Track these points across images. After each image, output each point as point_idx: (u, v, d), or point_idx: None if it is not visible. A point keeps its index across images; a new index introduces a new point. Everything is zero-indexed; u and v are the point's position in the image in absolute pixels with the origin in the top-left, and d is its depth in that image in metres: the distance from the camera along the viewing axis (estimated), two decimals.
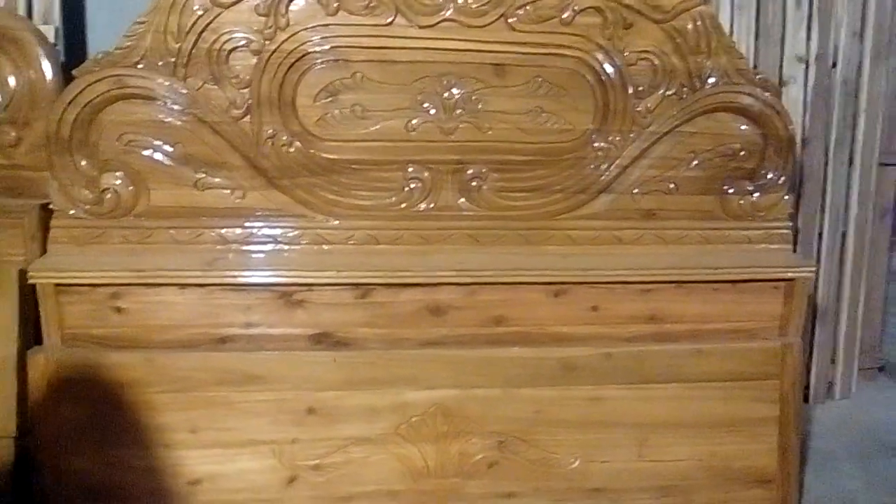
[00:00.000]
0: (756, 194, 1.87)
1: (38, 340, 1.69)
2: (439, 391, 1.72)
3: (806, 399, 2.46)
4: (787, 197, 1.89)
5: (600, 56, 1.74)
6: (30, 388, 1.65)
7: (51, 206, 1.71)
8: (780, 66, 2.25)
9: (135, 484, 1.67)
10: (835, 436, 2.30)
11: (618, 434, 1.78)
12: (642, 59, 1.76)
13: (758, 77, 1.83)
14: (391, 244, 1.77)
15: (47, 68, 1.82)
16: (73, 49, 2.09)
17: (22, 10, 1.97)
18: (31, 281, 1.65)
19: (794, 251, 2.23)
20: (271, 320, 1.71)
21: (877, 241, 2.47)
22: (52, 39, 1.92)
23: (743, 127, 1.84)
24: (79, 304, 1.67)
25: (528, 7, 1.70)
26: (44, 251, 1.72)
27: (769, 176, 1.87)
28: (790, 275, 1.83)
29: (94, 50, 2.03)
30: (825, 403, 2.48)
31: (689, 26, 1.75)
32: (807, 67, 2.27)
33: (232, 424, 1.68)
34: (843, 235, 2.41)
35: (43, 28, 1.91)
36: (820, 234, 2.38)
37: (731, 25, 2.18)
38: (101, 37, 2.12)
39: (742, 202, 1.87)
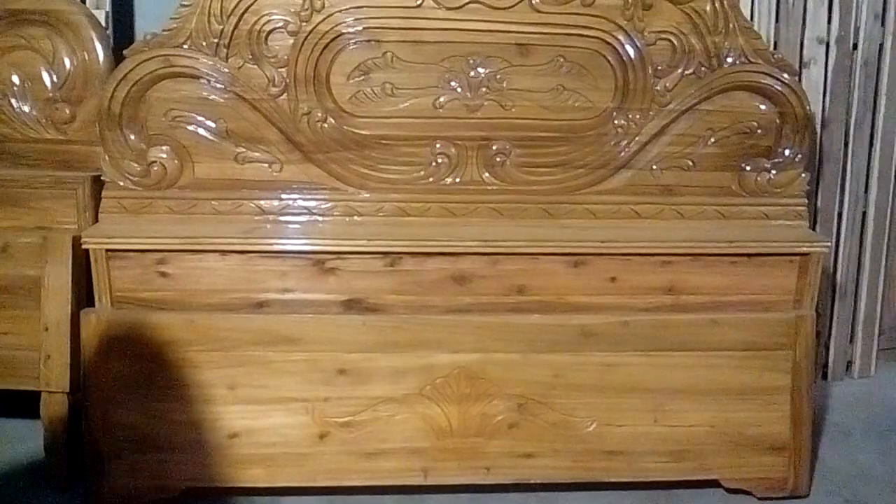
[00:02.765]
0: (773, 171, 1.92)
1: (90, 302, 1.81)
2: (463, 355, 1.81)
3: (825, 376, 2.50)
4: (803, 174, 1.94)
5: (621, 36, 1.81)
6: (82, 347, 1.77)
7: (102, 178, 1.82)
8: (801, 48, 2.28)
9: (177, 436, 1.78)
10: (852, 412, 2.33)
11: (634, 399, 1.85)
12: (661, 39, 1.82)
13: (774, 57, 1.88)
14: (419, 216, 1.86)
15: (99, 50, 1.94)
16: (122, 32, 2.20)
17: None
18: (84, 247, 1.76)
19: (814, 231, 2.29)
20: (305, 286, 1.81)
21: None
22: (103, 23, 2.02)
23: (760, 105, 1.89)
24: (128, 269, 1.78)
25: None
26: (95, 220, 1.84)
27: (786, 153, 1.92)
28: (804, 249, 1.87)
29: (141, 32, 2.13)
30: (843, 381, 2.51)
31: (708, 7, 1.81)
32: (827, 49, 2.30)
33: (267, 382, 1.78)
34: (864, 216, 2.43)
35: (95, 12, 2.02)
36: (840, 215, 2.40)
37: (752, 7, 2.21)
38: (148, 21, 2.23)
39: (759, 179, 1.92)
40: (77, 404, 1.82)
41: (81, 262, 1.82)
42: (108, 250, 1.76)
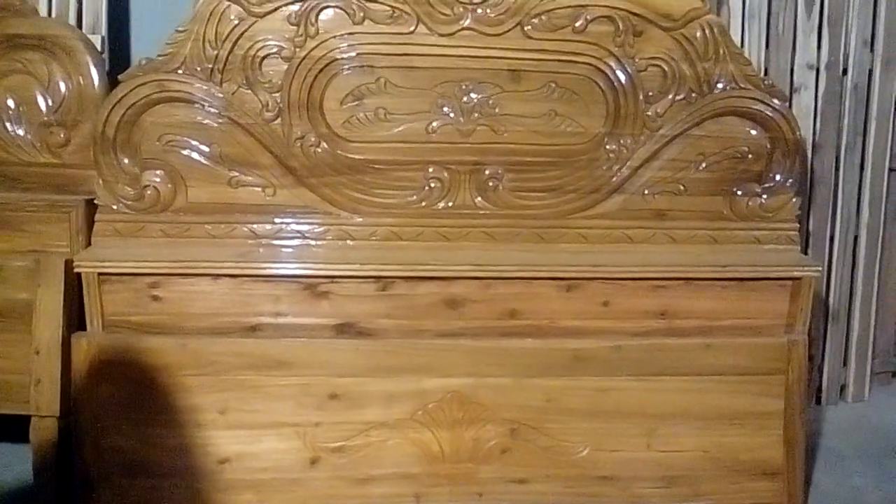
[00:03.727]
0: (764, 196, 1.94)
1: (81, 326, 1.80)
2: (455, 379, 1.80)
3: (819, 401, 2.50)
4: (794, 199, 1.95)
5: (612, 62, 1.83)
6: (73, 371, 1.76)
7: (95, 202, 1.82)
8: (791, 74, 2.30)
9: (168, 461, 1.77)
10: (846, 436, 2.32)
11: (626, 424, 1.84)
12: (652, 65, 1.84)
13: (765, 83, 1.90)
14: (412, 240, 1.86)
15: (95, 74, 1.95)
16: (117, 57, 2.21)
17: (72, 20, 2.09)
18: (76, 270, 1.76)
19: (806, 254, 2.30)
20: (298, 310, 1.81)
21: (890, 245, 2.50)
22: (99, 47, 2.04)
23: (751, 131, 1.90)
24: (120, 293, 1.78)
25: (542, 16, 1.78)
26: (88, 243, 1.83)
27: (777, 178, 1.93)
28: (796, 274, 1.88)
29: (137, 56, 2.15)
30: (837, 405, 2.51)
31: (698, 34, 1.83)
32: (817, 74, 2.32)
33: (259, 407, 1.78)
34: (856, 239, 2.44)
35: (91, 37, 2.04)
36: (832, 238, 2.42)
37: (743, 33, 2.24)
38: (144, 45, 2.24)
39: (750, 203, 1.93)
40: (67, 429, 1.80)
41: (74, 286, 1.81)
42: (100, 274, 1.76)
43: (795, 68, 2.31)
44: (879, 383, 2.60)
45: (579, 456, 1.84)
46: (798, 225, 1.98)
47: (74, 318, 1.83)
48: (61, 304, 1.81)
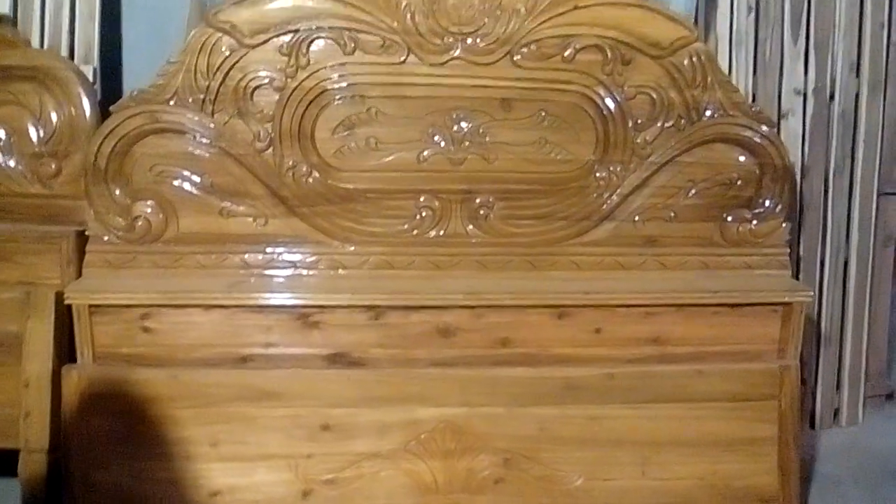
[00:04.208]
0: (754, 222, 1.95)
1: (71, 358, 1.79)
2: (448, 409, 1.80)
3: (812, 425, 2.49)
4: (784, 224, 1.96)
5: (601, 91, 1.84)
6: (63, 404, 1.75)
7: (86, 233, 1.82)
8: (779, 99, 2.32)
9: (159, 495, 1.75)
10: (841, 461, 2.32)
11: (620, 452, 1.84)
12: (641, 93, 1.85)
13: (753, 109, 1.91)
14: (403, 269, 1.86)
15: (86, 105, 1.94)
16: (110, 87, 2.22)
17: (64, 51, 2.10)
18: (67, 302, 1.76)
19: (797, 279, 2.31)
20: (289, 340, 1.80)
21: (880, 269, 2.51)
22: (90, 78, 2.05)
23: (740, 157, 1.92)
24: (110, 325, 1.77)
25: (532, 46, 1.80)
26: (79, 275, 1.82)
27: (766, 204, 1.94)
28: (787, 299, 1.89)
29: (129, 87, 2.16)
30: (832, 430, 2.50)
31: (686, 62, 1.85)
32: (805, 100, 2.34)
33: (250, 439, 1.77)
34: (846, 263, 2.45)
35: (83, 68, 2.05)
36: (822, 262, 2.42)
37: (730, 60, 2.26)
38: (136, 75, 2.25)
39: (741, 229, 1.94)
40: (57, 463, 1.78)
41: (64, 318, 1.80)
42: (90, 306, 1.75)
43: (783, 94, 2.33)
44: (873, 407, 2.60)
45: (574, 486, 1.83)
46: (788, 250, 1.99)
47: (65, 351, 1.82)
48: (51, 337, 1.80)
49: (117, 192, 1.81)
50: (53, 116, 1.95)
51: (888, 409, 2.64)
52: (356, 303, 1.79)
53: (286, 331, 1.80)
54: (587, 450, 1.83)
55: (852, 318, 2.48)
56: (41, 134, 1.95)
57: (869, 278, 2.48)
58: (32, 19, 2.10)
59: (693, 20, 2.11)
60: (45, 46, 2.11)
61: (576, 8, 1.78)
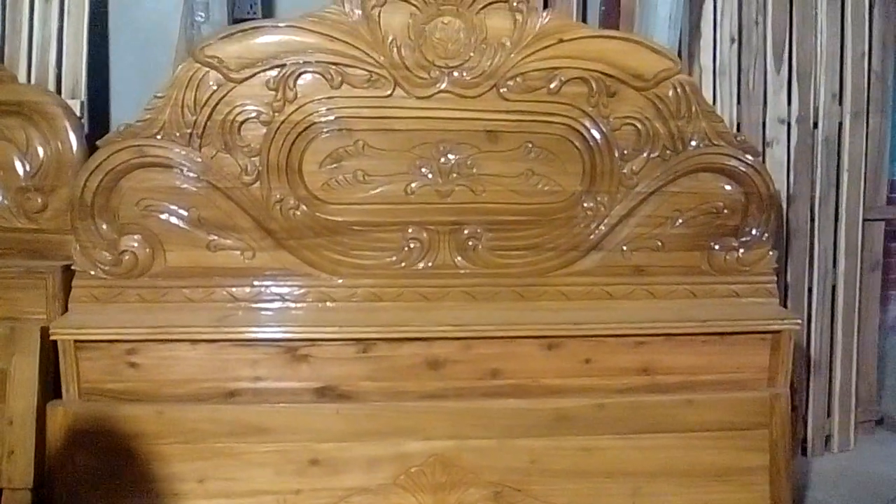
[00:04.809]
0: (741, 250, 1.95)
1: (56, 394, 1.77)
2: (437, 442, 1.78)
3: (804, 452, 2.49)
4: (771, 252, 1.97)
5: (587, 122, 1.85)
6: (48, 441, 1.72)
7: (73, 268, 1.81)
8: (763, 128, 2.35)
9: None
10: (833, 487, 2.31)
11: (612, 484, 1.82)
12: (626, 124, 1.87)
13: (737, 138, 1.93)
14: (392, 301, 1.86)
15: (73, 139, 1.94)
16: (97, 121, 2.22)
17: (52, 86, 2.10)
18: (52, 338, 1.74)
19: (785, 306, 2.32)
20: (277, 374, 1.79)
21: (868, 294, 2.53)
22: (78, 113, 2.05)
23: (725, 186, 1.93)
24: (96, 360, 1.75)
25: (517, 78, 1.82)
26: (65, 310, 1.81)
27: (753, 232, 1.96)
28: (776, 327, 1.89)
29: (116, 121, 2.16)
30: (823, 456, 2.50)
31: (670, 93, 1.87)
32: (789, 129, 2.37)
33: (238, 475, 1.74)
34: (833, 290, 2.47)
35: (70, 102, 2.04)
36: (810, 289, 2.44)
37: (715, 90, 2.29)
38: (124, 108, 2.26)
39: (728, 258, 1.95)
40: (41, 501, 1.75)
41: (49, 354, 1.78)
42: (76, 341, 1.74)
43: (767, 123, 2.36)
44: (864, 432, 2.60)
45: None
46: (776, 278, 2.00)
47: (50, 387, 1.79)
48: (36, 373, 1.77)
49: (104, 226, 1.80)
50: (40, 151, 1.95)
51: (880, 434, 2.65)
52: (344, 336, 1.78)
53: (274, 365, 1.78)
54: (579, 481, 1.82)
55: (841, 344, 2.48)
56: (27, 168, 1.95)
57: (857, 304, 2.50)
58: (19, 54, 2.10)
59: (677, 52, 2.14)
60: (33, 81, 2.10)
61: (560, 41, 1.81)
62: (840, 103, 2.42)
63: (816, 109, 2.40)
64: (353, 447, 1.77)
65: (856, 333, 2.50)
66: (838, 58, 2.41)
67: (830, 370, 2.50)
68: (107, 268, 1.81)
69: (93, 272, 1.81)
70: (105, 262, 1.81)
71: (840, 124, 2.43)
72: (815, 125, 2.40)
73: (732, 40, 2.31)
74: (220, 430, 1.74)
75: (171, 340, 1.76)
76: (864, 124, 2.45)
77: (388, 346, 1.80)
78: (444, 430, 1.78)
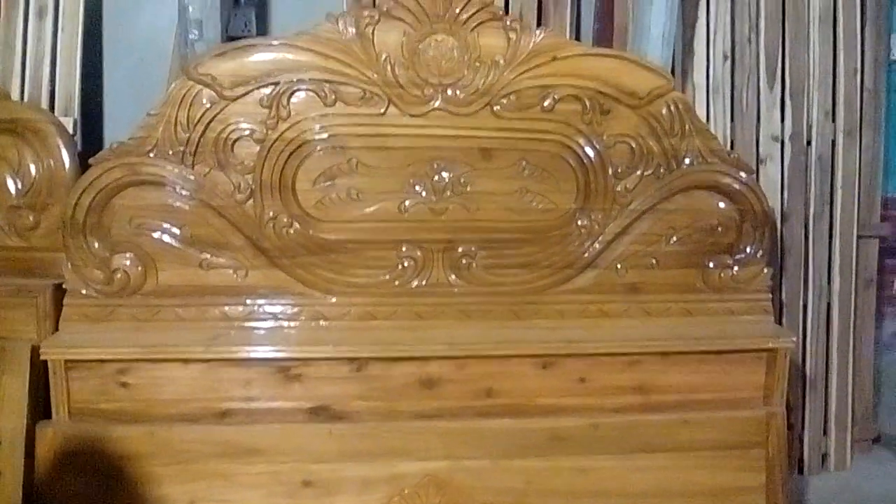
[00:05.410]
0: (735, 268, 1.95)
1: (46, 415, 1.75)
2: (431, 462, 1.77)
3: (801, 470, 2.47)
4: (765, 269, 1.97)
5: (580, 140, 1.85)
6: (37, 462, 1.70)
7: (64, 286, 1.79)
8: (757, 145, 2.36)
9: None
10: None
11: None
12: (620, 142, 1.87)
13: (731, 156, 1.93)
14: (386, 319, 1.85)
15: (65, 157, 1.94)
16: (90, 138, 2.22)
17: (45, 103, 2.10)
18: (42, 357, 1.72)
19: (780, 324, 2.31)
20: (270, 394, 1.77)
21: (863, 311, 2.53)
22: (70, 130, 2.04)
23: (720, 203, 1.93)
24: (87, 380, 1.73)
25: (511, 96, 1.82)
26: (56, 329, 1.79)
27: (747, 250, 1.95)
28: (771, 345, 1.88)
29: (110, 138, 2.15)
30: (820, 475, 2.49)
31: (664, 111, 1.87)
32: (782, 146, 2.38)
33: (230, 496, 1.72)
34: (829, 307, 2.47)
35: (63, 120, 2.04)
36: (805, 307, 2.44)
37: (708, 108, 2.30)
38: (117, 125, 2.26)
39: (722, 275, 1.95)
40: None
41: (39, 373, 1.76)
42: (67, 361, 1.72)
43: (761, 140, 2.37)
44: (860, 450, 2.59)
45: None
46: (770, 295, 1.99)
47: (40, 407, 1.77)
48: (26, 393, 1.75)
49: (96, 244, 1.79)
50: (32, 169, 1.94)
51: (876, 452, 2.63)
52: (338, 355, 1.77)
53: (266, 384, 1.77)
54: (573, 502, 1.80)
55: (837, 362, 2.48)
56: (19, 186, 1.94)
57: (852, 321, 2.50)
58: (13, 72, 2.09)
59: (670, 70, 2.14)
60: (26, 99, 2.10)
61: (554, 59, 1.81)
62: (833, 120, 2.43)
63: (810, 127, 2.41)
64: (346, 468, 1.75)
65: (851, 351, 2.50)
66: (831, 75, 2.42)
67: (826, 388, 2.49)
68: (98, 286, 1.80)
69: (84, 291, 1.79)
70: (97, 280, 1.79)
71: (833, 141, 2.43)
72: (809, 142, 2.41)
73: (725, 58, 2.32)
74: (211, 450, 1.72)
75: (163, 360, 1.75)
76: (858, 141, 2.46)
77: (382, 366, 1.79)
78: (437, 451, 1.77)
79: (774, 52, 2.36)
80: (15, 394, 1.76)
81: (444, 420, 1.79)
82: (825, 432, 2.50)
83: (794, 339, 1.94)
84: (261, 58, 1.75)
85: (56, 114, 2.08)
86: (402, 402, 1.80)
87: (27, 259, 1.94)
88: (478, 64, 1.79)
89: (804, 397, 2.46)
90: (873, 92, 2.50)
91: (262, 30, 2.36)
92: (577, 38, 2.31)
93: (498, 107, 1.82)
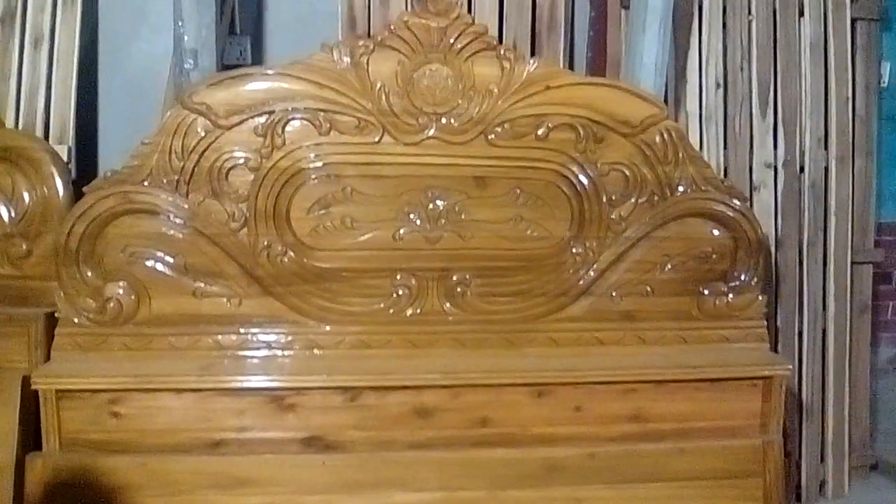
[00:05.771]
0: (730, 295, 1.95)
1: (36, 445, 1.74)
2: (426, 494, 1.75)
3: (798, 498, 2.46)
4: (760, 297, 1.96)
5: (574, 168, 1.86)
6: (26, 494, 1.68)
7: (56, 315, 1.78)
8: (750, 172, 2.37)
9: None
10: None
11: None
12: (614, 170, 1.87)
13: (724, 184, 1.94)
14: (380, 348, 1.84)
15: (59, 185, 1.94)
16: (84, 165, 2.22)
17: (40, 131, 2.10)
18: (33, 387, 1.71)
19: (776, 350, 2.31)
20: (263, 424, 1.76)
21: (858, 337, 2.52)
22: (65, 158, 2.04)
23: (714, 231, 1.94)
24: (78, 410, 1.72)
25: (505, 125, 1.82)
26: (48, 358, 1.78)
27: (742, 277, 1.95)
28: (767, 373, 1.88)
29: (104, 166, 2.15)
30: (818, 502, 2.47)
31: (657, 139, 1.88)
32: (775, 173, 2.39)
33: None
34: (824, 333, 2.46)
35: (57, 148, 2.04)
36: (800, 333, 2.43)
37: (701, 135, 2.31)
38: (112, 152, 2.26)
39: (717, 303, 1.95)
40: None
41: (30, 403, 1.75)
42: (58, 390, 1.71)
43: (754, 167, 2.38)
44: (858, 477, 2.57)
45: None
46: (765, 322, 1.99)
47: (30, 438, 1.76)
48: (16, 424, 1.74)
49: (89, 273, 1.78)
50: (26, 196, 1.94)
51: (874, 479, 2.62)
52: (332, 384, 1.76)
53: (260, 414, 1.75)
54: None
55: (833, 388, 2.47)
56: (12, 214, 1.94)
57: (847, 347, 2.49)
58: (8, 99, 2.10)
59: (663, 98, 2.15)
60: (20, 126, 2.10)
61: (548, 88, 1.82)
62: (825, 147, 2.44)
63: (802, 153, 2.42)
64: (340, 499, 1.73)
65: (847, 377, 2.49)
66: (823, 102, 2.44)
67: (823, 415, 2.48)
68: (91, 315, 1.78)
69: (76, 320, 1.78)
70: (89, 309, 1.78)
71: (826, 168, 2.45)
72: (802, 169, 2.42)
73: (718, 86, 2.34)
74: (204, 481, 1.70)
75: (156, 390, 1.73)
76: (850, 168, 2.47)
77: (376, 395, 1.78)
78: (432, 481, 1.75)
79: (767, 80, 2.38)
80: (5, 425, 1.74)
81: (438, 450, 1.78)
82: (822, 459, 2.48)
83: (790, 366, 1.94)
84: (256, 87, 1.76)
85: (51, 142, 2.08)
86: (397, 431, 1.78)
87: (19, 287, 1.93)
88: (472, 93, 1.80)
89: (801, 424, 2.45)
90: (865, 119, 2.52)
91: (258, 59, 2.38)
92: (571, 68, 2.33)
93: (492, 135, 1.83)
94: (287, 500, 1.72)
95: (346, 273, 1.83)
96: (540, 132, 1.83)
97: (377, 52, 1.78)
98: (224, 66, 2.11)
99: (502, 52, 1.81)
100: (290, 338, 1.82)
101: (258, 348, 1.81)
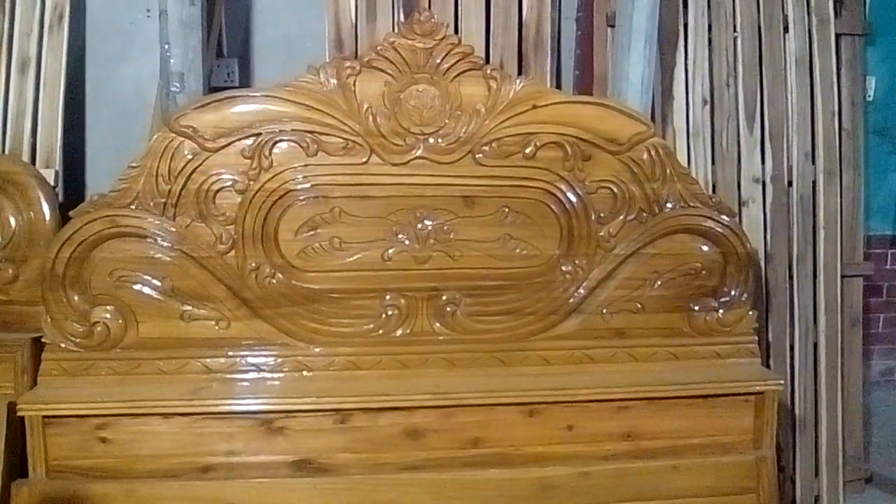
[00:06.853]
0: (721, 310, 1.95)
1: (23, 472, 1.72)
2: None
3: None
4: (750, 312, 1.96)
5: (563, 186, 1.86)
6: None
7: (43, 340, 1.77)
8: (739, 187, 2.38)
9: None
10: None
11: None
12: (602, 187, 1.88)
13: (713, 200, 1.94)
14: (370, 369, 1.83)
15: (46, 210, 1.92)
16: (72, 189, 2.21)
17: (26, 155, 2.09)
18: (20, 414, 1.69)
19: (768, 365, 2.30)
20: (253, 448, 1.74)
21: (849, 350, 2.52)
22: (52, 182, 2.03)
23: (703, 247, 1.94)
24: (65, 436, 1.70)
25: (493, 144, 1.83)
26: (34, 383, 1.76)
27: (732, 292, 1.95)
28: (758, 388, 1.87)
29: (92, 190, 2.14)
30: None
31: (645, 156, 1.88)
32: (764, 187, 2.40)
33: None
34: (815, 347, 2.46)
35: (45, 172, 2.03)
36: (791, 347, 2.43)
37: (689, 152, 2.31)
38: (99, 175, 2.25)
39: (708, 318, 1.94)
40: None
41: (16, 429, 1.73)
42: (44, 417, 1.69)
43: (742, 182, 2.38)
44: (853, 491, 2.56)
45: None
46: (756, 338, 1.99)
47: (16, 465, 1.74)
48: (2, 450, 1.72)
49: (75, 297, 1.77)
50: (12, 221, 1.93)
51: (869, 492, 2.61)
52: (322, 406, 1.75)
53: (249, 438, 1.74)
54: None
55: (826, 402, 2.46)
56: None
57: (839, 360, 2.49)
58: None
59: (650, 115, 2.16)
60: (7, 151, 2.09)
61: (535, 107, 1.82)
62: (813, 162, 2.45)
63: (790, 168, 2.43)
64: None
65: (840, 390, 2.48)
66: (809, 117, 2.45)
67: (816, 429, 2.47)
68: (78, 340, 1.77)
69: (63, 344, 1.77)
70: (76, 333, 1.77)
71: (814, 182, 2.45)
72: (790, 184, 2.43)
73: (705, 102, 2.35)
74: None
75: (144, 414, 1.72)
76: (838, 181, 2.48)
77: (367, 417, 1.77)
78: (425, 503, 1.73)
79: (753, 96, 2.39)
80: None
81: (430, 471, 1.76)
82: (817, 474, 2.47)
83: (782, 381, 1.93)
84: (242, 109, 1.76)
85: (38, 166, 2.07)
86: (388, 453, 1.77)
87: (5, 312, 1.91)
88: (459, 113, 1.81)
89: (794, 439, 2.44)
90: (852, 133, 2.54)
91: (246, 81, 2.38)
92: (558, 86, 2.34)
93: (480, 155, 1.83)
94: None
95: (335, 294, 1.82)
96: (527, 151, 1.83)
97: (364, 73, 1.78)
98: (212, 89, 2.11)
99: (489, 71, 1.82)
100: (279, 360, 1.81)
101: (247, 371, 1.80)
